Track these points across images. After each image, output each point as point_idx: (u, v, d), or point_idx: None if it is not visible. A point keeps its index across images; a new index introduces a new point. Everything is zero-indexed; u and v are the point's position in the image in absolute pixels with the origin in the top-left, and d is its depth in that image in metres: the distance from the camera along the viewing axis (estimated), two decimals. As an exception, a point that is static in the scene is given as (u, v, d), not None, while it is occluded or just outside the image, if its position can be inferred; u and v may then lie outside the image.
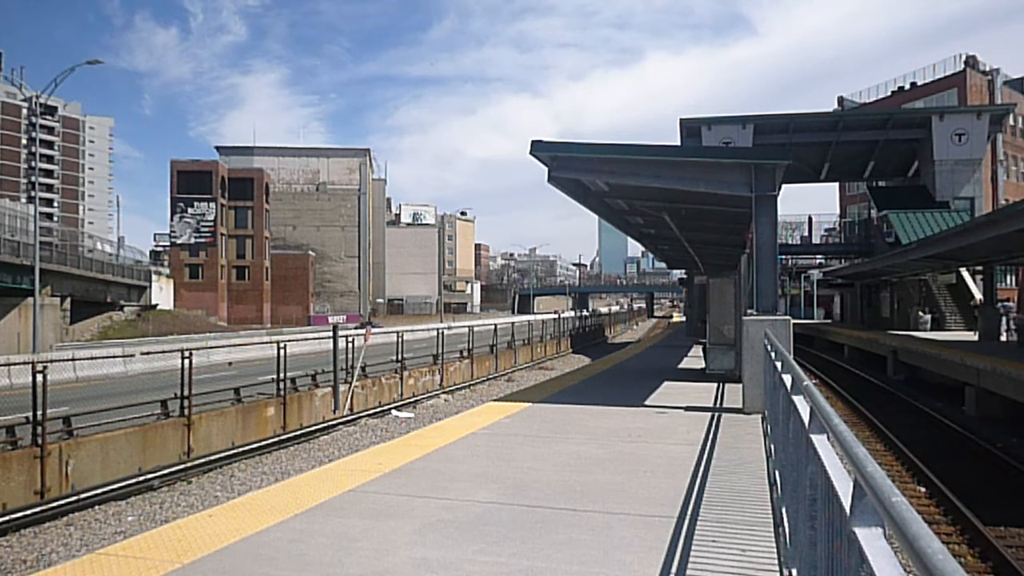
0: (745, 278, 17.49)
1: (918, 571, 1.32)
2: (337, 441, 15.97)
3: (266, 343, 26.04)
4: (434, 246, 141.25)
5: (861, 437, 16.01)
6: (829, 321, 55.13)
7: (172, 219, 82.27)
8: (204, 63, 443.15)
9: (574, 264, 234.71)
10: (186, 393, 14.34)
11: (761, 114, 44.45)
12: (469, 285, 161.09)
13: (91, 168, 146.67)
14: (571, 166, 14.62)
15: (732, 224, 18.47)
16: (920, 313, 34.99)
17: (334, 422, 18.18)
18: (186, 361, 14.27)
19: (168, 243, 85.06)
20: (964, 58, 55.71)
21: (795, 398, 4.50)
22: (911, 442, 15.04)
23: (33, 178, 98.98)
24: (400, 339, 23.99)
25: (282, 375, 17.57)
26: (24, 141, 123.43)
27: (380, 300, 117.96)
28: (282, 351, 17.89)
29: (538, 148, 14.20)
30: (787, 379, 5.35)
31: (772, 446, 7.80)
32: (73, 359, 22.56)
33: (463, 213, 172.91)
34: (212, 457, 14.05)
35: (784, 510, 5.26)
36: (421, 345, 31.63)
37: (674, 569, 4.81)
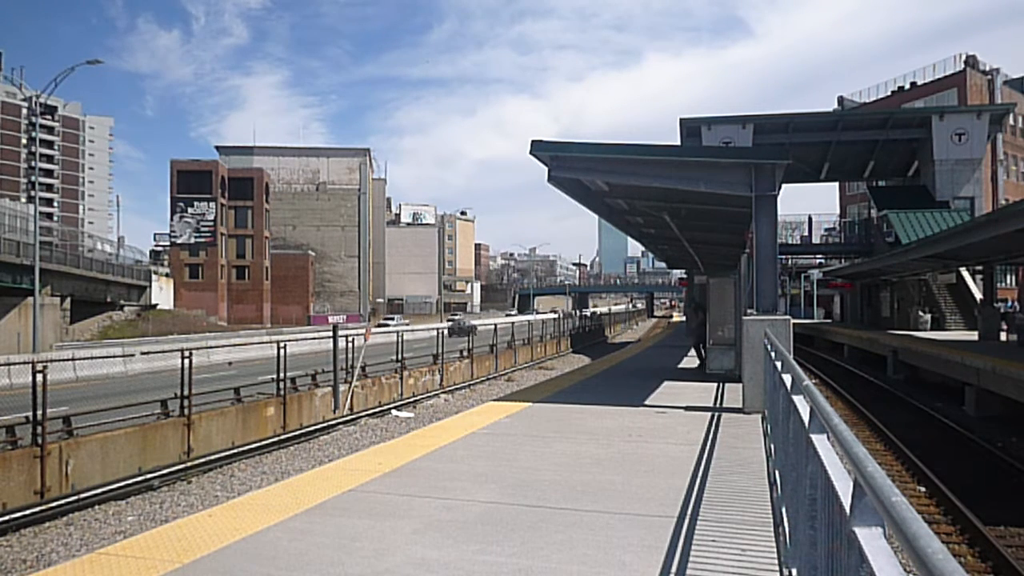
0: (745, 278, 17.48)
1: (918, 571, 1.32)
2: (337, 441, 15.97)
3: (266, 343, 26.03)
4: (434, 246, 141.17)
5: (861, 437, 16.01)
6: (829, 321, 55.08)
7: (172, 219, 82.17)
8: (206, 65, 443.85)
9: (574, 264, 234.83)
10: (186, 393, 14.34)
11: (761, 114, 44.46)
12: (469, 285, 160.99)
13: (91, 168, 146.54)
14: (571, 166, 14.60)
15: (732, 224, 18.44)
16: (920, 313, 34.97)
17: (334, 422, 18.18)
18: (186, 361, 14.26)
19: (168, 243, 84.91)
20: (964, 58, 55.73)
21: (795, 398, 4.50)
22: (911, 442, 15.04)
23: (33, 178, 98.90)
24: (400, 339, 23.99)
25: (282, 375, 17.57)
26: (24, 141, 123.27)
27: (380, 300, 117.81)
28: (282, 351, 17.89)
29: (538, 148, 14.18)
30: (787, 379, 5.35)
31: (772, 446, 7.80)
32: (73, 359, 22.54)
33: (463, 213, 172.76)
34: (212, 457, 14.05)
35: (784, 510, 5.26)
36: (421, 345, 31.65)
37: (674, 569, 4.81)
